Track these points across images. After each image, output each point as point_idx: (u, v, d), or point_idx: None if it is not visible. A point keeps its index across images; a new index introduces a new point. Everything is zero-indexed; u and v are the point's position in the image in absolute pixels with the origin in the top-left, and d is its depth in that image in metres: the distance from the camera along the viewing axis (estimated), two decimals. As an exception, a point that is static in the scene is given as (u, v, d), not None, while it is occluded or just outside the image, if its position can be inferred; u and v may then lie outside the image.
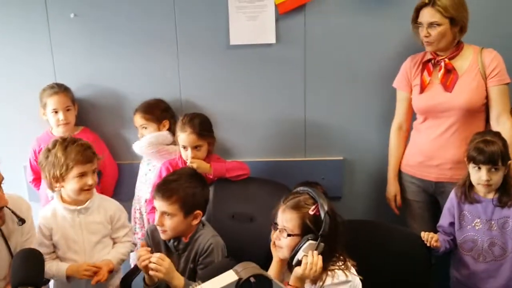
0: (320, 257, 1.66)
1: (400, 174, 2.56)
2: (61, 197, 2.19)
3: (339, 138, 2.80)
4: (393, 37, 2.60)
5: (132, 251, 2.34)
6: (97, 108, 2.85)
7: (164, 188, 1.98)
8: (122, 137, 2.81)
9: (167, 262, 1.81)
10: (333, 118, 2.78)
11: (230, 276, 0.70)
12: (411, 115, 2.55)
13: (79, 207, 2.16)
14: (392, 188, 2.59)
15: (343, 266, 1.73)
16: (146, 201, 2.67)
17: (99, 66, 2.79)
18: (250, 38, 2.68)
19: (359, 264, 1.82)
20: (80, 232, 2.17)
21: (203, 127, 2.51)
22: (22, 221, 1.83)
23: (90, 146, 2.18)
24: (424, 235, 2.13)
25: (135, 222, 2.77)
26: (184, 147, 2.50)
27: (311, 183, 2.47)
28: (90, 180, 2.13)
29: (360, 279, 1.76)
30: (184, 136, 2.47)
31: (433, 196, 2.47)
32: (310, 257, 1.65)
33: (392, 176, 2.58)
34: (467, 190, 2.16)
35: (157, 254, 1.84)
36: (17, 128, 2.89)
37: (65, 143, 2.13)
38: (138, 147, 2.67)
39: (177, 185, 1.98)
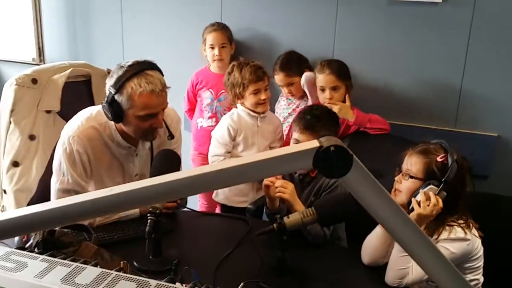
0: (439, 199, 1.55)
1: None
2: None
3: (496, 113, 2.57)
4: None
5: None
6: (251, 50, 2.99)
7: (302, 120, 2.03)
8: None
9: (290, 186, 1.88)
10: (493, 91, 2.56)
11: (312, 143, 0.71)
12: None
13: (260, 115, 2.48)
14: None
15: (463, 224, 1.61)
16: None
17: (259, 12, 2.94)
18: (415, -6, 2.56)
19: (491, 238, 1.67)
20: (257, 136, 2.50)
21: (341, 69, 2.55)
22: (171, 136, 1.98)
23: (261, 66, 2.45)
24: None
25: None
26: (323, 90, 2.53)
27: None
28: (263, 95, 2.42)
29: (481, 236, 1.63)
30: (322, 76, 2.52)
31: None
32: (429, 195, 1.55)
33: None
34: None
35: (281, 180, 1.90)
36: (182, 63, 3.16)
37: (240, 65, 2.44)
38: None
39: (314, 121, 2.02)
